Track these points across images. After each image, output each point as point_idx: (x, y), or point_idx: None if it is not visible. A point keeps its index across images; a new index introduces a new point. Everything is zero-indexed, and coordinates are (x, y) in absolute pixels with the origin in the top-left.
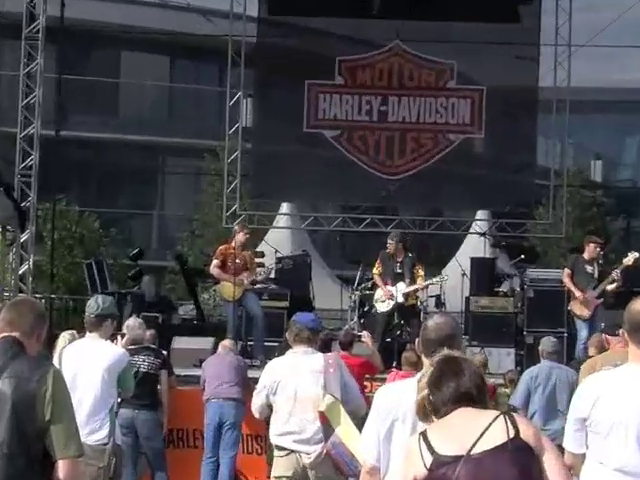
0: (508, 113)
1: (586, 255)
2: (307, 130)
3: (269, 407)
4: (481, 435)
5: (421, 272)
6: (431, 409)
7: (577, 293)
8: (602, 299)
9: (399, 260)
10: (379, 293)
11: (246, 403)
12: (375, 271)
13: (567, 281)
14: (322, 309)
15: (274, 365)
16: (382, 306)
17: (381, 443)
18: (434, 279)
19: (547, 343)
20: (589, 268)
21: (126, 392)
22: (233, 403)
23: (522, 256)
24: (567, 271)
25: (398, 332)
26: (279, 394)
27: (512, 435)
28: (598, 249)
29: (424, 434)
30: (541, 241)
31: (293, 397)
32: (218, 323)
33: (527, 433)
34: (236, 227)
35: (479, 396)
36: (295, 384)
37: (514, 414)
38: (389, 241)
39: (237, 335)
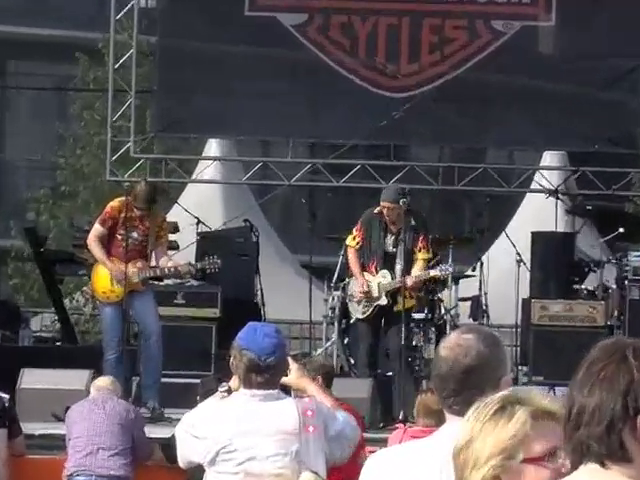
0: None
1: None
2: (251, 14)
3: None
4: None
5: (423, 253)
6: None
7: None
8: None
9: (395, 230)
10: (354, 287)
11: None
12: (351, 243)
13: None
14: (278, 320)
15: (213, 416)
16: (358, 310)
17: None
18: (437, 270)
19: None
20: None
21: None
22: None
23: (621, 230)
24: None
25: (409, 358)
26: (221, 465)
27: None
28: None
29: None
30: None
31: (243, 472)
32: (100, 346)
33: None
34: (138, 185)
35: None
36: (249, 451)
37: None
38: (386, 196)
39: (126, 366)
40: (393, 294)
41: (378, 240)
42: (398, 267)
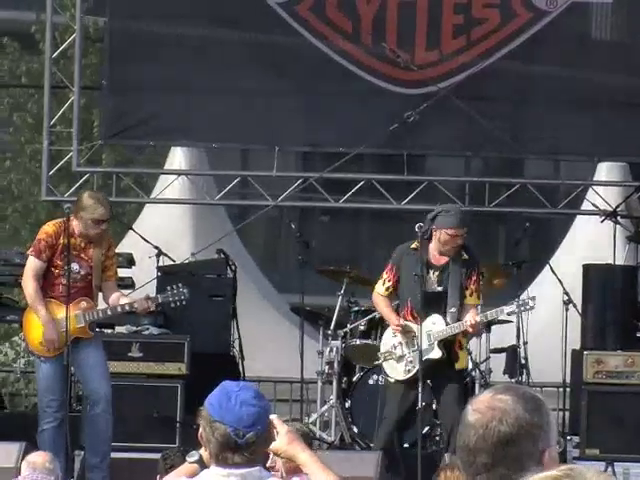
0: None
1: None
2: None
3: None
4: None
5: (474, 299)
6: None
7: None
8: None
9: (439, 265)
10: (390, 339)
11: None
12: (380, 290)
13: None
14: (260, 378)
15: None
16: (398, 370)
17: None
18: (514, 306)
19: None
20: None
21: None
22: None
23: None
24: None
25: (427, 428)
26: None
27: None
28: None
29: None
30: None
31: None
32: (34, 412)
33: None
34: (85, 197)
35: None
36: None
37: None
38: (454, 220)
39: (66, 439)
40: (447, 345)
41: (418, 279)
42: (452, 310)
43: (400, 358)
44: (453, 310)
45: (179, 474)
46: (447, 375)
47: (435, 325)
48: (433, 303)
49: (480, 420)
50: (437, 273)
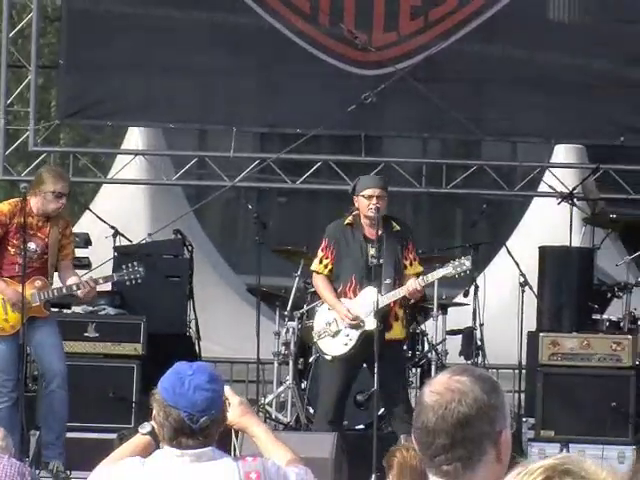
0: None
1: None
2: None
3: None
4: None
5: (415, 267)
6: None
7: None
8: None
9: (375, 238)
10: (322, 317)
11: None
12: (319, 268)
13: None
14: (217, 358)
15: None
16: (335, 346)
17: None
18: (450, 267)
19: None
20: None
21: None
22: None
23: None
24: None
25: (382, 410)
26: None
27: None
28: None
29: None
30: None
31: None
32: None
33: None
34: (44, 172)
35: None
36: None
37: None
38: (373, 182)
39: (22, 419)
40: (384, 317)
41: (359, 255)
42: (387, 281)
43: (336, 333)
44: (388, 281)
45: (131, 446)
46: (381, 352)
47: (371, 294)
48: (373, 276)
49: (439, 401)
50: (375, 247)
